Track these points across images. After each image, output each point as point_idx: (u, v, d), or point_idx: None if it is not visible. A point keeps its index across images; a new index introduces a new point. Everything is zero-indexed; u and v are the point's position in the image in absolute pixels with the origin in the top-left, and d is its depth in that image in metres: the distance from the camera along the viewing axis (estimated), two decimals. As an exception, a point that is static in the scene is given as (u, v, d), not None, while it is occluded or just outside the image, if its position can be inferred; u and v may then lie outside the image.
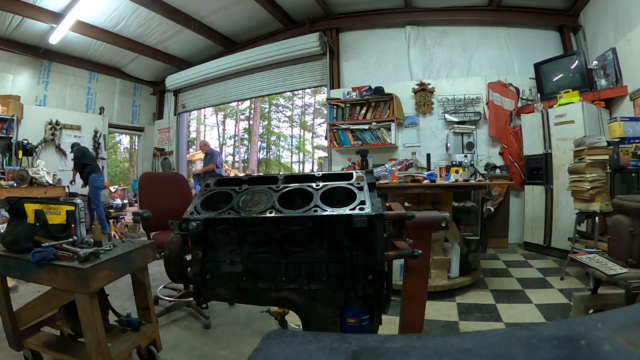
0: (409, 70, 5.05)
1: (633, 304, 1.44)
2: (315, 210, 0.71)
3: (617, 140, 2.96)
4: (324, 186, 0.79)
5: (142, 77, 7.09)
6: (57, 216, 1.55)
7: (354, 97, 4.85)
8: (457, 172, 2.97)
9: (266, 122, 14.73)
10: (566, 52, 4.48)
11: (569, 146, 3.25)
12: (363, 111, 4.83)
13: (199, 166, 12.18)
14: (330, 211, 0.70)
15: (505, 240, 4.37)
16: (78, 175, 5.09)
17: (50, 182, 4.96)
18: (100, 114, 6.49)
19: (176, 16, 5.07)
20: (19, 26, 4.93)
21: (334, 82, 5.26)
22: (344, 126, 4.86)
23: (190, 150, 11.55)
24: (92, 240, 1.57)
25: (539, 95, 4.34)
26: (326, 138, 5.12)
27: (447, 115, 4.72)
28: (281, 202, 0.75)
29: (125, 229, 5.35)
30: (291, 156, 15.32)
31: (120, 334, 1.67)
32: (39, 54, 5.52)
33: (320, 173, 0.85)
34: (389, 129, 4.69)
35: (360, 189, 0.77)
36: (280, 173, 0.88)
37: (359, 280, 0.73)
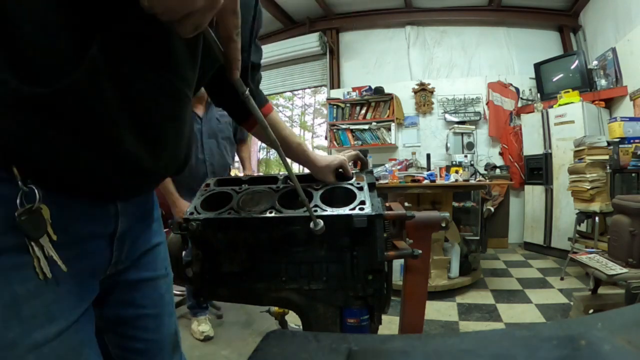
0: (409, 70, 5.05)
1: (633, 304, 1.45)
2: (315, 210, 0.71)
3: (617, 140, 2.96)
4: (324, 186, 0.79)
5: (142, 77, 7.09)
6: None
7: (354, 97, 4.85)
8: (457, 172, 2.98)
9: (266, 122, 14.72)
10: (566, 52, 4.48)
11: (569, 146, 3.25)
12: (363, 111, 4.83)
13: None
14: (330, 211, 0.70)
15: (505, 240, 4.37)
16: None
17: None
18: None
19: (176, 16, 5.07)
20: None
21: (334, 82, 5.26)
22: (344, 126, 4.86)
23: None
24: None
25: (539, 95, 4.34)
26: (326, 138, 5.12)
27: (447, 115, 4.72)
28: (281, 202, 0.74)
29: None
30: (291, 156, 15.33)
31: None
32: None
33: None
34: (389, 129, 4.69)
35: (360, 189, 0.77)
36: (280, 173, 0.88)
37: (359, 280, 0.73)
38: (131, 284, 0.58)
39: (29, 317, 0.39)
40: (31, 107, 0.36)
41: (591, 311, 1.86)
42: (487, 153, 4.66)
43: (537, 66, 4.36)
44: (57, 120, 0.38)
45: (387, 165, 3.42)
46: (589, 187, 2.81)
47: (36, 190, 0.40)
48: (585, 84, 3.95)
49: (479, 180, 3.33)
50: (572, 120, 3.55)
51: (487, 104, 4.60)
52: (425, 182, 2.76)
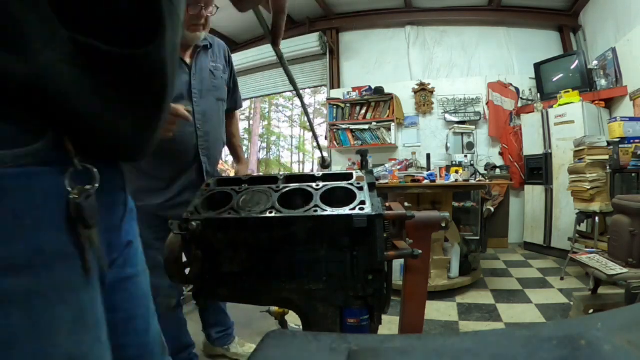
0: (409, 70, 5.05)
1: (633, 304, 1.45)
2: (316, 210, 0.71)
3: (617, 140, 2.96)
4: (324, 186, 0.79)
5: (142, 77, 7.08)
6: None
7: (354, 97, 4.85)
8: (457, 172, 2.98)
9: (266, 122, 14.73)
10: (566, 52, 4.48)
11: (569, 146, 3.25)
12: (363, 111, 4.83)
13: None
14: (330, 211, 0.70)
15: (505, 240, 4.37)
16: None
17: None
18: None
19: (176, 16, 5.07)
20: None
21: (334, 82, 5.26)
22: (344, 126, 4.87)
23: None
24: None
25: (539, 95, 4.34)
26: (326, 138, 5.12)
27: (447, 115, 4.72)
28: (281, 202, 0.74)
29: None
30: (291, 156, 15.31)
31: (120, 334, 1.66)
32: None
33: (320, 173, 0.85)
34: (389, 129, 4.69)
35: (360, 189, 0.77)
36: (281, 173, 0.88)
37: (359, 280, 0.73)
38: (116, 283, 0.50)
39: (92, 326, 0.36)
40: (108, 68, 0.34)
41: (591, 311, 1.86)
42: (487, 153, 4.66)
43: (537, 66, 4.36)
44: (124, 81, 0.36)
45: (387, 165, 3.42)
46: (589, 187, 2.81)
47: (94, 170, 0.36)
48: (585, 84, 3.95)
49: (479, 180, 3.33)
50: (572, 120, 3.55)
51: (487, 104, 4.60)
52: (425, 182, 2.76)
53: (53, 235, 0.32)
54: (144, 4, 0.35)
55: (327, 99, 5.12)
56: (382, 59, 5.18)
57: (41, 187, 0.32)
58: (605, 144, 2.95)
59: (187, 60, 1.40)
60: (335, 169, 4.93)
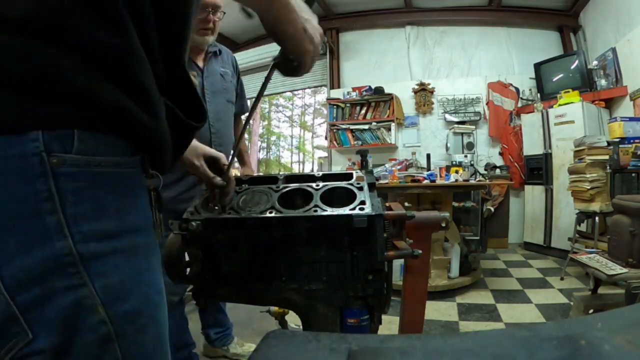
0: (409, 70, 5.04)
1: (633, 304, 1.44)
2: (316, 210, 0.71)
3: (617, 140, 2.96)
4: (324, 186, 0.79)
5: (142, 77, 7.07)
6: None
7: (354, 97, 4.85)
8: (457, 172, 2.98)
9: (266, 122, 14.72)
10: (566, 52, 4.48)
11: (569, 146, 3.25)
12: (363, 111, 4.83)
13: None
14: (330, 211, 0.70)
15: (505, 240, 4.37)
16: None
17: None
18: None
19: (176, 16, 5.07)
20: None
21: (334, 82, 5.25)
22: (344, 126, 4.86)
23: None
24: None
25: (539, 95, 4.34)
26: (326, 138, 5.12)
27: (447, 115, 4.72)
28: (281, 202, 0.74)
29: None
30: (291, 156, 15.29)
31: (120, 334, 1.66)
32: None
33: (320, 173, 0.85)
34: (389, 129, 4.69)
35: (360, 189, 0.77)
36: (281, 173, 0.88)
37: (359, 280, 0.73)
38: None
39: (162, 273, 0.54)
40: (177, 125, 0.54)
41: (591, 311, 1.86)
42: (487, 153, 4.66)
43: (537, 66, 4.36)
44: (181, 134, 0.56)
45: (387, 165, 3.42)
46: (589, 187, 2.81)
47: (160, 176, 0.56)
48: (585, 84, 3.95)
49: (479, 180, 3.33)
50: (572, 120, 3.55)
51: (487, 104, 4.60)
52: (425, 182, 2.76)
53: (150, 211, 0.52)
54: (199, 106, 0.59)
55: (327, 99, 5.12)
56: (382, 59, 5.17)
57: (142, 181, 0.51)
58: (605, 144, 2.95)
59: (200, 63, 1.54)
60: (335, 169, 4.94)
